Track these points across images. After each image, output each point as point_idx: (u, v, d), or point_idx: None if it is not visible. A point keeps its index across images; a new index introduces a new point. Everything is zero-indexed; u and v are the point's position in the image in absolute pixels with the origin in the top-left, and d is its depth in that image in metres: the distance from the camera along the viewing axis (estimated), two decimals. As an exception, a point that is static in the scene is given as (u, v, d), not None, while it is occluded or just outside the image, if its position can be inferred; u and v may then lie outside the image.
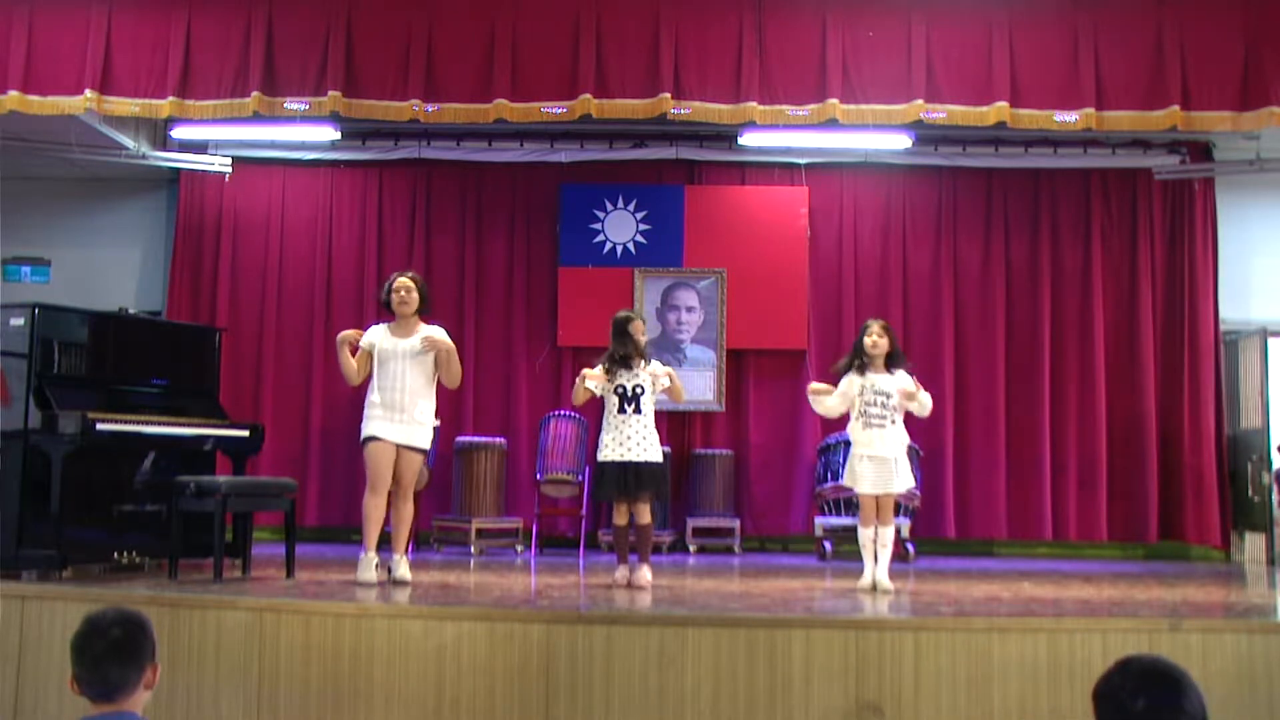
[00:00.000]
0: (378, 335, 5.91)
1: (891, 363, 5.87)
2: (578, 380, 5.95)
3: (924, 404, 5.86)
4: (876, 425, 5.80)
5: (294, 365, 8.90)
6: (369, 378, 5.89)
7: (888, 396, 5.81)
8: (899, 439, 5.85)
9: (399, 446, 5.78)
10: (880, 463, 5.78)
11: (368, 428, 5.79)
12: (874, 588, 5.73)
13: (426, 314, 6.01)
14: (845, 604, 5.31)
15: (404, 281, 5.94)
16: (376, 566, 5.76)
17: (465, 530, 8.08)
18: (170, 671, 4.26)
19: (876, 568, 5.80)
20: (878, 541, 5.83)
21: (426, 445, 5.95)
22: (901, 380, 5.84)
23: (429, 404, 5.90)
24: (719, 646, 4.43)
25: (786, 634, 4.44)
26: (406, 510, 5.90)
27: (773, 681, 4.39)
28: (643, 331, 6.00)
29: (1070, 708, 4.36)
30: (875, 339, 5.85)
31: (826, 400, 5.93)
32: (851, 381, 5.89)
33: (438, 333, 5.96)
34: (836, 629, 4.49)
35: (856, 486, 5.85)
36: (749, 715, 4.38)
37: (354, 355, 5.91)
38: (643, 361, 5.94)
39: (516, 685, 4.45)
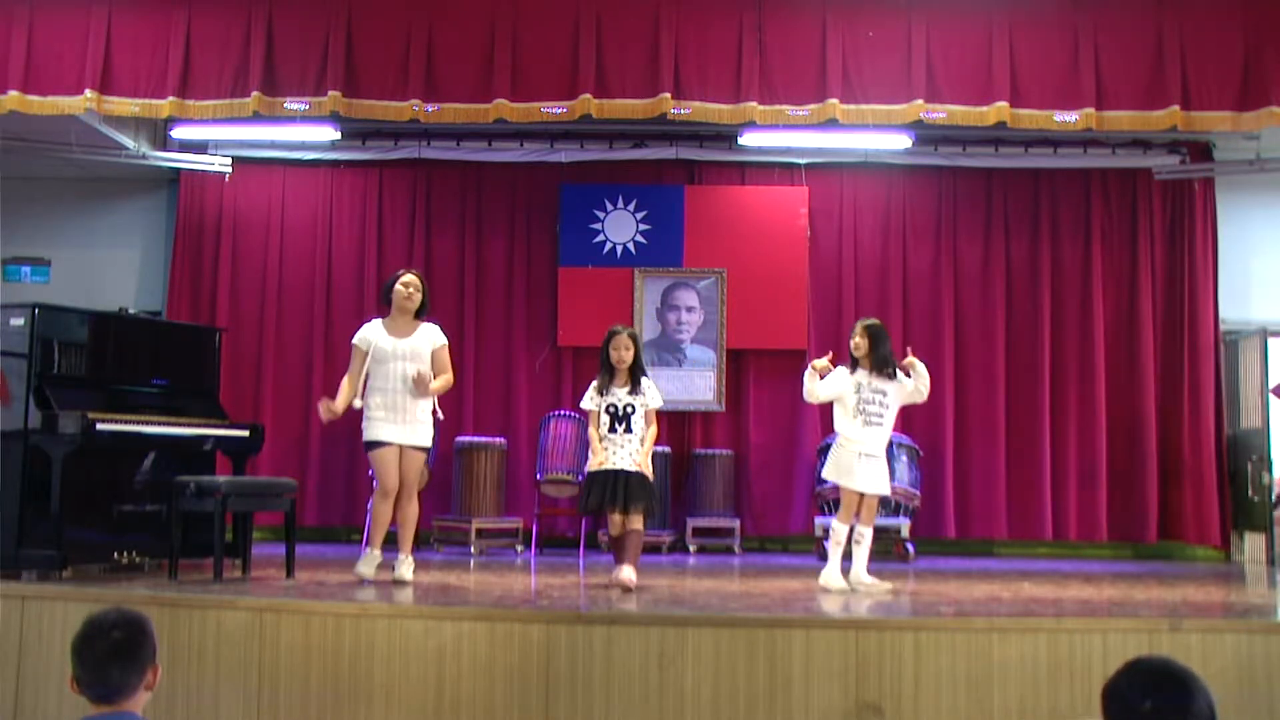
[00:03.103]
0: (374, 333, 5.89)
1: (881, 365, 5.86)
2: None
3: (922, 388, 5.90)
4: (875, 423, 5.82)
5: (294, 365, 8.90)
6: (368, 377, 5.88)
7: (884, 395, 5.83)
8: (886, 439, 5.90)
9: (403, 447, 5.79)
10: (875, 461, 5.80)
11: (371, 431, 5.79)
12: (837, 587, 5.72)
13: (425, 316, 6.01)
14: (845, 604, 5.31)
15: (412, 279, 5.93)
16: (379, 566, 5.78)
17: (465, 530, 8.08)
18: (170, 671, 4.26)
19: (854, 565, 5.82)
20: (856, 539, 5.83)
21: (429, 443, 5.95)
22: (901, 382, 5.85)
23: (428, 400, 5.90)
24: (719, 646, 4.43)
25: (786, 634, 4.44)
26: (411, 510, 5.90)
27: (773, 681, 4.39)
28: (625, 348, 5.88)
29: (1070, 708, 4.36)
30: (856, 340, 5.89)
31: (820, 382, 5.90)
32: (843, 376, 5.90)
33: (434, 331, 5.96)
34: (836, 629, 4.50)
35: (849, 483, 5.80)
36: (749, 715, 4.38)
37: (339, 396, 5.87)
38: (633, 379, 5.90)
39: (516, 685, 4.45)
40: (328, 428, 8.68)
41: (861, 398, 5.83)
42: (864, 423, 5.82)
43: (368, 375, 5.86)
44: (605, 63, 6.94)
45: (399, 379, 5.78)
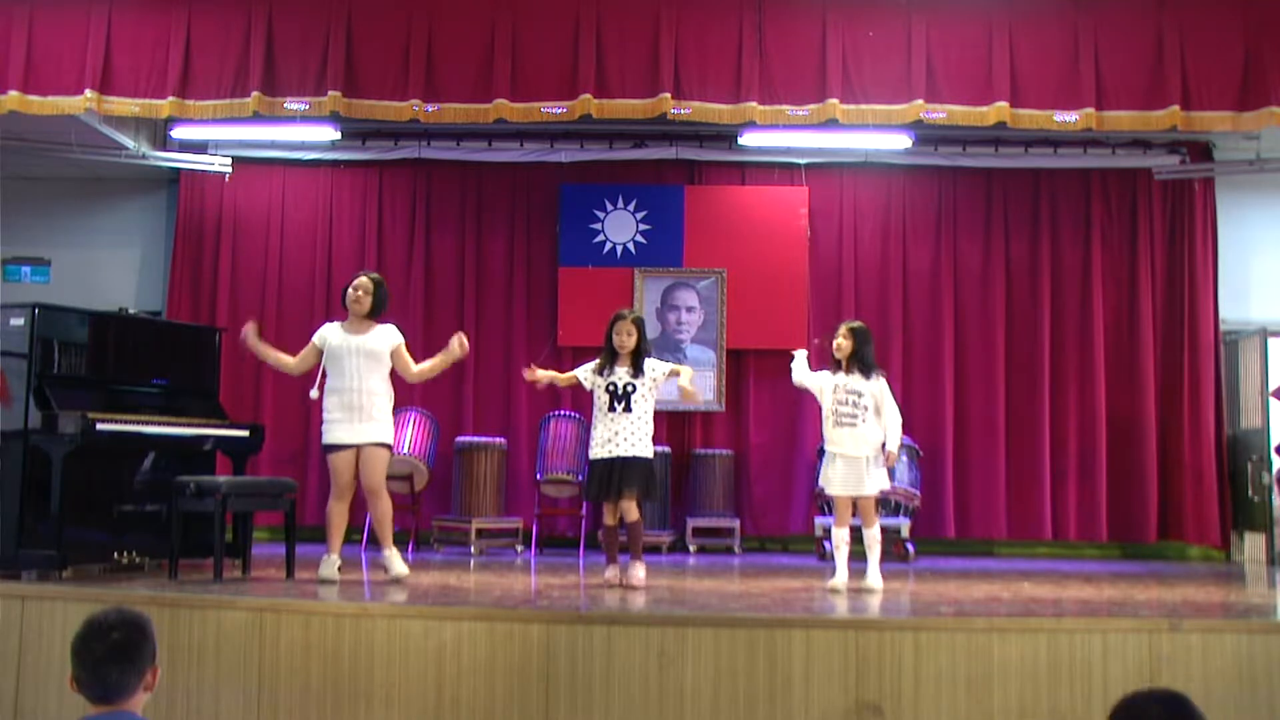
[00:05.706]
0: (330, 331, 5.91)
1: (863, 368, 5.86)
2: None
3: (891, 422, 5.86)
4: (846, 424, 5.81)
5: (294, 365, 8.89)
6: (324, 377, 5.88)
7: (859, 396, 5.82)
8: (870, 438, 5.83)
9: (360, 446, 5.78)
10: (851, 463, 5.79)
11: (328, 434, 5.82)
12: (840, 589, 5.71)
13: (380, 318, 5.99)
14: (845, 604, 5.31)
15: (361, 281, 5.93)
16: (340, 568, 5.80)
17: (465, 530, 8.07)
18: (170, 671, 4.26)
19: (867, 567, 5.81)
20: (865, 542, 5.84)
21: (388, 439, 5.91)
22: (877, 386, 5.86)
23: (386, 401, 5.90)
24: (719, 646, 4.43)
25: (786, 634, 4.44)
26: (382, 507, 5.88)
27: (773, 681, 4.39)
28: (627, 333, 5.91)
29: (1070, 708, 4.36)
30: (840, 341, 5.90)
31: (800, 371, 6.07)
32: (824, 376, 5.96)
33: (389, 331, 5.96)
34: (836, 629, 4.50)
35: (829, 489, 5.89)
36: (749, 715, 4.38)
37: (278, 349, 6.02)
38: (635, 362, 5.91)
39: (516, 685, 4.45)
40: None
41: (836, 399, 5.86)
42: (835, 423, 5.84)
43: (326, 375, 5.87)
44: (605, 63, 6.95)
45: (355, 375, 5.78)
